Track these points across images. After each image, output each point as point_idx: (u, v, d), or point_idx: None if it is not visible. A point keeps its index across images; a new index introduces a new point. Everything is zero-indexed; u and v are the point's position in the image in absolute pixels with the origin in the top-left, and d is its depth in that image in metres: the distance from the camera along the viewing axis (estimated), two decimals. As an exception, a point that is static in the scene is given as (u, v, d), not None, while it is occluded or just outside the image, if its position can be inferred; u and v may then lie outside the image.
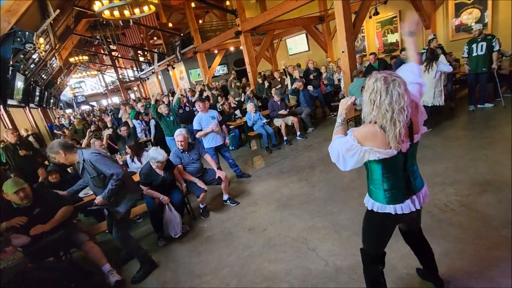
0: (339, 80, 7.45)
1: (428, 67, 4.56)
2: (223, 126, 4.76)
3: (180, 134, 3.82)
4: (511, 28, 6.16)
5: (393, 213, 1.54)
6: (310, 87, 6.77)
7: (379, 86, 1.35)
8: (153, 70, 17.40)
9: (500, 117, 4.87)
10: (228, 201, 4.02)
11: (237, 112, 7.08)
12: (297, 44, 12.36)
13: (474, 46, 5.00)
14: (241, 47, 9.28)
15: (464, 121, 5.07)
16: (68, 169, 4.78)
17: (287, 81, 7.75)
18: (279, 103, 6.38)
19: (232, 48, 12.23)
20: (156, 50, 16.42)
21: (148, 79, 20.48)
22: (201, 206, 3.84)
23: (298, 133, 6.34)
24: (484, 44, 4.90)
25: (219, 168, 4.31)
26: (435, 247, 2.37)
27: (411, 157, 1.52)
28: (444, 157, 3.89)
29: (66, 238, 2.83)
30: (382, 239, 1.72)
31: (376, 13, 8.67)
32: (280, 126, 6.20)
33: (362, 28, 9.04)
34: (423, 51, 6.36)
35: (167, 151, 5.81)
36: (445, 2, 7.38)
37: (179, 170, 3.73)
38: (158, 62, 15.87)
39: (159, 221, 3.38)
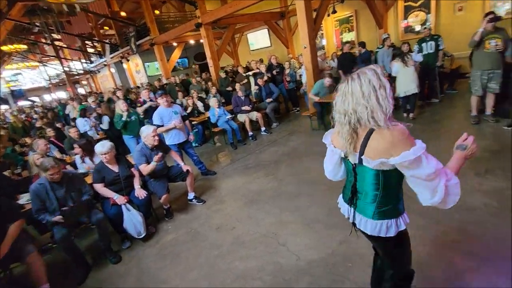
0: (300, 75, 7.59)
1: (405, 62, 4.88)
2: (187, 122, 4.53)
3: (152, 128, 3.53)
4: (455, 30, 6.83)
5: (338, 202, 1.61)
6: (261, 82, 6.75)
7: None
8: (105, 63, 16.09)
9: (444, 112, 5.36)
10: (193, 200, 3.84)
11: (200, 106, 6.83)
12: (258, 39, 12.34)
13: (424, 44, 5.43)
14: (201, 40, 8.96)
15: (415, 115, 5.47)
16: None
17: (251, 80, 7.73)
18: (242, 98, 6.30)
19: (192, 41, 11.79)
20: (107, 41, 15.18)
21: (99, 72, 18.90)
22: (165, 207, 3.61)
23: (263, 128, 6.33)
24: (433, 43, 5.35)
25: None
26: (397, 234, 2.51)
27: (361, 177, 1.35)
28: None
29: (10, 250, 2.45)
30: None
31: (334, 12, 8.96)
32: (244, 121, 6.13)
33: (321, 26, 9.30)
34: (377, 49, 6.76)
35: (124, 149, 5.42)
36: (395, 4, 7.92)
37: (142, 170, 3.44)
38: (110, 54, 14.69)
39: (120, 223, 3.10)
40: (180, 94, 7.51)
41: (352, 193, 1.43)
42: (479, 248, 2.20)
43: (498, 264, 2.03)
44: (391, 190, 1.31)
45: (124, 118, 4.84)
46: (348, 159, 1.39)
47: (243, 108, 6.22)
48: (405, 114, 5.34)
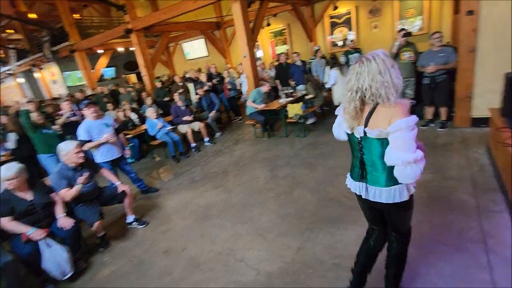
0: (240, 84, 7.61)
1: (342, 72, 5.30)
2: (121, 135, 4.03)
3: (74, 143, 2.98)
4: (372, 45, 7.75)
5: (347, 184, 1.70)
6: (201, 91, 6.52)
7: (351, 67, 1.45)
8: (9, 71, 13.61)
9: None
10: (134, 223, 3.38)
11: (135, 118, 6.24)
12: (195, 49, 12.07)
13: (350, 56, 6.01)
14: (131, 48, 8.30)
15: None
16: None
17: (191, 88, 7.44)
18: (183, 108, 5.99)
19: (121, 49, 10.85)
20: (13, 46, 12.90)
21: (2, 82, 15.90)
22: (98, 235, 3.08)
23: (206, 138, 6.10)
24: (357, 55, 5.96)
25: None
26: (350, 234, 2.59)
27: (368, 149, 1.47)
28: (341, 151, 4.41)
29: None
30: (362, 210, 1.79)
31: (268, 24, 9.38)
32: (186, 132, 5.81)
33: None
34: (311, 60, 7.23)
35: (41, 172, 4.55)
36: (322, 20, 8.67)
37: (63, 197, 2.86)
38: (17, 61, 12.51)
39: (38, 263, 2.50)
40: (109, 106, 6.75)
41: (361, 168, 1.54)
42: (418, 235, 2.41)
43: (439, 249, 2.23)
44: None
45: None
46: (353, 134, 1.50)
47: (184, 118, 5.90)
48: None
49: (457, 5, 5.64)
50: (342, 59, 6.19)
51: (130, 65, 13.31)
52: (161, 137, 5.51)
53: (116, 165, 3.89)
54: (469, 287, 1.88)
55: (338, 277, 2.16)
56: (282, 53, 7.45)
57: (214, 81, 7.19)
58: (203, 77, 7.00)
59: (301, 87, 6.41)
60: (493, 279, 1.90)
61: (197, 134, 6.14)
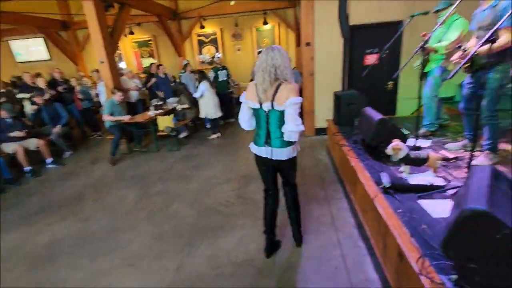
0: (97, 94, 6.52)
1: (211, 85, 5.44)
2: None
3: None
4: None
5: (253, 151, 2.10)
6: (40, 100, 5.08)
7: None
8: None
9: (240, 128, 6.40)
10: None
11: None
12: (30, 50, 9.52)
13: (219, 72, 6.28)
14: None
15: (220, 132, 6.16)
16: None
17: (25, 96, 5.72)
18: (8, 121, 4.50)
19: None
20: None
21: None
22: None
23: (50, 160, 4.79)
24: (225, 72, 6.31)
25: None
26: (230, 240, 2.57)
27: (274, 119, 1.91)
28: (214, 162, 4.46)
29: None
30: (260, 174, 2.22)
31: (131, 33, 8.66)
32: (16, 152, 4.37)
33: (118, 45, 8.59)
34: (180, 74, 7.12)
35: None
36: (190, 37, 8.78)
37: None
38: None
39: None
40: None
41: (266, 136, 1.98)
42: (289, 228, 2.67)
43: (304, 236, 2.52)
44: None
45: None
46: (261, 108, 1.91)
47: (12, 134, 4.43)
48: (213, 135, 5.76)
49: (298, 39, 7.04)
50: (211, 74, 6.39)
51: None
52: (-30, 160, 3.89)
53: None
54: (327, 263, 2.20)
55: (222, 286, 2.05)
56: (153, 63, 7.01)
57: (60, 88, 5.85)
58: (41, 83, 5.53)
59: (171, 99, 6.15)
60: (342, 253, 2.31)
61: (35, 154, 4.74)
